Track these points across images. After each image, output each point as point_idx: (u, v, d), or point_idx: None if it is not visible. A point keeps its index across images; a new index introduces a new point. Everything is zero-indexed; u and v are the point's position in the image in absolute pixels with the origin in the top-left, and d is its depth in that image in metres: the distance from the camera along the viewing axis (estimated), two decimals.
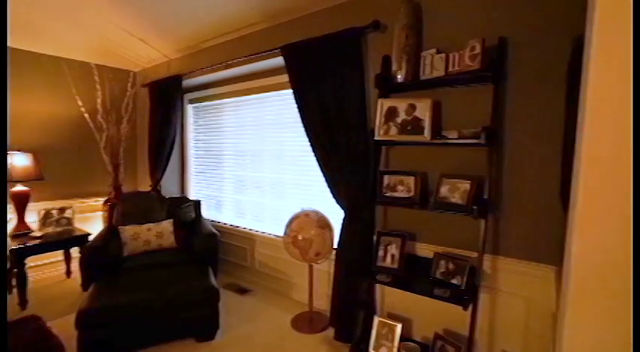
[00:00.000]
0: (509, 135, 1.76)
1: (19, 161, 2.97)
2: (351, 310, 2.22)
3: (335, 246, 2.36)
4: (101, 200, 3.64)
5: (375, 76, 2.05)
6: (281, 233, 2.51)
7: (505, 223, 1.80)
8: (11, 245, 2.72)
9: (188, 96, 3.89)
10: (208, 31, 2.97)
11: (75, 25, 3.06)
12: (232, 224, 3.45)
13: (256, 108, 3.29)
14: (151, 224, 2.89)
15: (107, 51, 3.57)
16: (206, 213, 3.58)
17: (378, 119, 2.00)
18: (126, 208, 3.03)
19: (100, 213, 3.62)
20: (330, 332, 2.37)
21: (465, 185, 1.78)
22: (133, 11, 2.75)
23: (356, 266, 2.15)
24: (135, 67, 3.99)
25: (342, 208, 2.28)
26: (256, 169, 3.34)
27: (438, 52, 1.83)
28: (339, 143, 2.22)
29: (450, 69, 1.77)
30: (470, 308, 1.71)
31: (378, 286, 2.26)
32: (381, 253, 2.05)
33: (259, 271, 3.20)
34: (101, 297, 2.11)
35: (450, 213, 1.82)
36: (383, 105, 2.00)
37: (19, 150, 3.03)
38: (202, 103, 3.82)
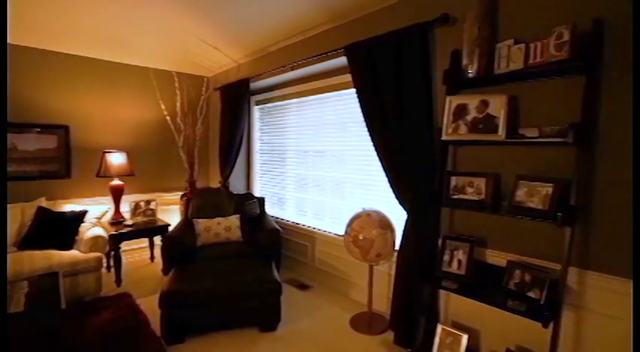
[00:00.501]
0: (604, 133, 1.53)
1: (116, 159, 3.43)
2: (412, 315, 2.15)
3: (397, 247, 2.31)
4: (179, 194, 4.04)
5: (444, 71, 1.94)
6: (341, 232, 2.53)
7: (597, 233, 1.58)
8: (110, 230, 3.16)
9: (255, 98, 4.12)
10: (275, 35, 3.11)
11: (160, 38, 3.44)
12: (294, 221, 3.57)
13: (318, 108, 3.36)
14: (221, 218, 3.12)
15: (185, 59, 3.95)
16: (269, 209, 3.76)
17: (446, 117, 1.90)
18: (199, 203, 3.32)
19: (178, 206, 4.01)
20: (390, 335, 2.33)
21: (547, 188, 1.60)
22: (207, 22, 3.00)
23: (418, 269, 2.07)
24: (208, 73, 4.34)
25: (405, 209, 2.21)
26: (318, 168, 3.41)
27: (516, 42, 1.67)
28: (403, 142, 2.16)
29: (531, 61, 1.61)
30: (551, 326, 1.54)
31: (442, 292, 2.15)
32: (446, 258, 1.95)
33: (319, 269, 3.26)
34: (179, 282, 2.34)
35: (527, 219, 1.66)
36: (451, 102, 1.89)
37: (116, 150, 3.51)
38: (267, 105, 4.01)
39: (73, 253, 2.80)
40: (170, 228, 3.32)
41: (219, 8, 2.75)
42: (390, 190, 2.28)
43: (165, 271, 3.45)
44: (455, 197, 1.92)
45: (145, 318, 2.55)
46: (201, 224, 2.99)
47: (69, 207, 3.23)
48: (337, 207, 3.22)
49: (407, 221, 2.21)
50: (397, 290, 2.26)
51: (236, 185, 4.11)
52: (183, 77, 4.09)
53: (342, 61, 2.63)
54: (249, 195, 3.52)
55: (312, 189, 3.50)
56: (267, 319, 2.43)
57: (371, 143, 2.35)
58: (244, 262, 2.68)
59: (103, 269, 2.96)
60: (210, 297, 2.29)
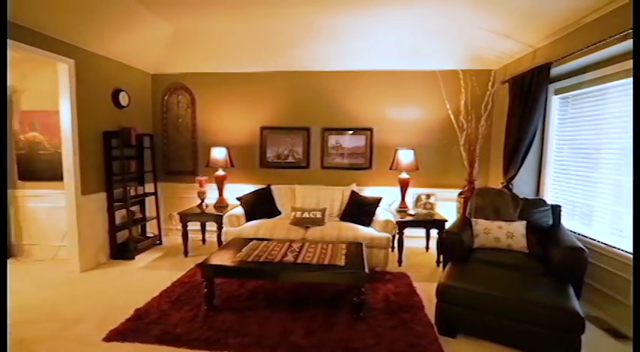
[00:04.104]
0: None
1: (405, 156, 3.96)
2: None
3: None
4: (456, 191, 4.08)
5: None
6: None
7: None
8: (397, 217, 3.70)
9: (554, 86, 3.42)
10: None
11: (446, 40, 3.60)
12: (605, 242, 2.69)
13: None
14: (502, 222, 2.87)
15: (471, 55, 3.89)
16: (566, 221, 3.04)
17: None
18: (479, 202, 3.20)
19: (454, 203, 4.07)
20: None
21: None
22: (495, 10, 2.79)
23: None
24: (495, 66, 4.05)
25: None
26: None
27: None
28: None
29: None
30: None
31: None
32: None
33: None
34: (455, 279, 2.37)
35: None
36: None
37: (405, 147, 4.04)
38: (573, 92, 3.21)
39: (371, 230, 3.52)
40: (447, 224, 3.44)
41: None
42: None
43: (438, 263, 3.64)
44: None
45: (420, 301, 2.81)
46: (480, 225, 2.89)
47: (368, 192, 4.09)
48: None
49: None
50: None
51: (521, 188, 3.62)
52: (468, 74, 4.05)
53: None
54: (539, 201, 3.01)
55: None
56: None
57: None
58: (530, 278, 2.34)
59: (389, 249, 3.51)
60: (486, 304, 2.17)
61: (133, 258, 3.86)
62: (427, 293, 2.89)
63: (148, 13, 3.30)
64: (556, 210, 2.94)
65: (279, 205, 4.15)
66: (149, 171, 4.39)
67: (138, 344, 2.22)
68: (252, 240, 3.29)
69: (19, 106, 3.86)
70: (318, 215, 3.67)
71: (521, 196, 3.22)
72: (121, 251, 3.90)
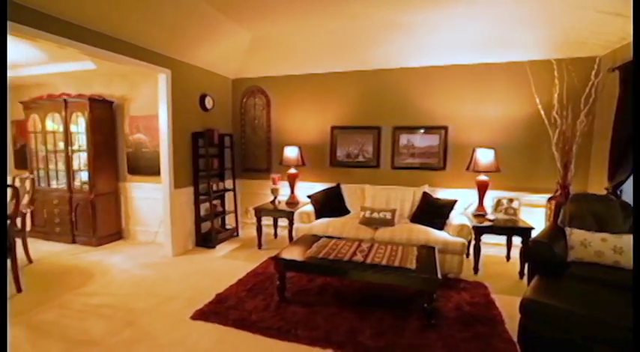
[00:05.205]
0: None
1: (484, 156, 3.63)
2: None
3: None
4: (545, 197, 3.63)
5: None
6: None
7: None
8: (473, 221, 3.43)
9: None
10: None
11: (536, 26, 3.20)
12: None
13: None
14: (607, 234, 2.46)
15: (568, 42, 3.40)
16: None
17: None
18: (574, 210, 2.80)
19: (543, 209, 3.62)
20: None
21: None
22: None
23: None
24: (601, 51, 3.48)
25: None
26: None
27: None
28: None
29: None
30: None
31: None
32: None
33: None
34: (544, 294, 2.11)
35: None
36: None
37: (485, 147, 3.72)
38: None
39: (444, 234, 3.32)
40: (533, 233, 3.08)
41: None
42: None
43: (522, 275, 3.29)
44: None
45: (500, 315, 2.57)
46: (576, 235, 2.52)
47: (441, 194, 3.87)
48: None
49: None
50: None
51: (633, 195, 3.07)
52: (564, 63, 3.55)
53: None
54: None
55: None
56: None
57: None
58: None
59: (464, 255, 3.27)
60: (588, 328, 1.87)
61: (214, 247, 4.26)
62: (508, 307, 2.64)
63: (230, 23, 3.59)
64: None
65: (348, 204, 4.17)
66: (228, 169, 4.78)
67: (218, 325, 2.45)
68: (321, 237, 3.36)
69: (128, 112, 4.54)
70: (388, 215, 3.59)
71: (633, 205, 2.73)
72: (205, 240, 4.33)
